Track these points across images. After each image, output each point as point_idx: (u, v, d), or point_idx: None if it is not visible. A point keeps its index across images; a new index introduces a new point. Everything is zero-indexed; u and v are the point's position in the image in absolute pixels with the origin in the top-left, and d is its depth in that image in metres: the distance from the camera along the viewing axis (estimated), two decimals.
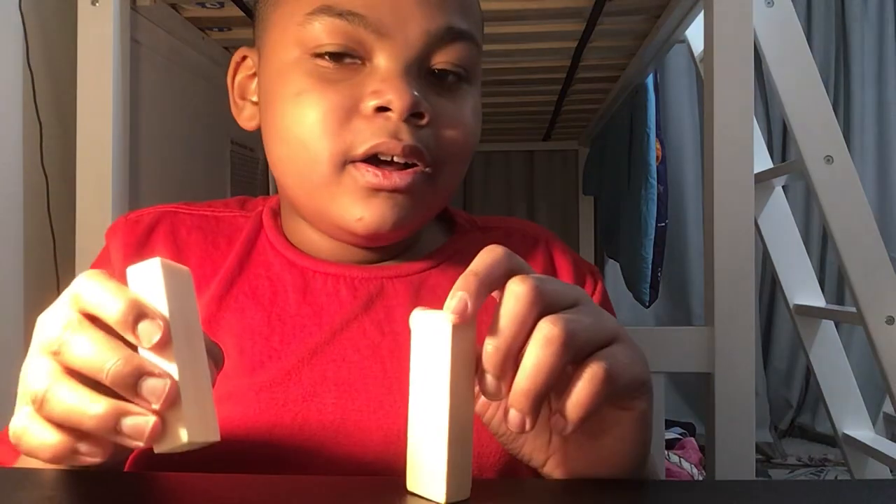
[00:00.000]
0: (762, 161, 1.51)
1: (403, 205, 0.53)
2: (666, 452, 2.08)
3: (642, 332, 1.02)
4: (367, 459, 0.51)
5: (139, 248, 0.59)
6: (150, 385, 0.33)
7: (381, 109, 0.52)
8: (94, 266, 0.62)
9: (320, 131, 0.52)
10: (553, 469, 0.43)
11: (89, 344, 0.34)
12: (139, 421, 0.34)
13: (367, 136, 0.52)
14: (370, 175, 0.52)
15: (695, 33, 1.42)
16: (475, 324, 0.36)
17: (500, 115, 2.16)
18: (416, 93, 0.52)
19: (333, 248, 0.59)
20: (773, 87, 1.30)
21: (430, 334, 0.35)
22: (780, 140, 3.05)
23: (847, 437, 1.48)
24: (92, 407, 0.34)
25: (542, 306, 0.36)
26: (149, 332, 0.34)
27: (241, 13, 1.22)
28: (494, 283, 0.37)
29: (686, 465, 2.18)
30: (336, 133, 0.52)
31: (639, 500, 0.40)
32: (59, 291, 0.37)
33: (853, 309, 1.30)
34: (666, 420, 1.07)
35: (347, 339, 0.55)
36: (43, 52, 1.12)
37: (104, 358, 0.34)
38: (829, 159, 1.27)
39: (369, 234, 0.54)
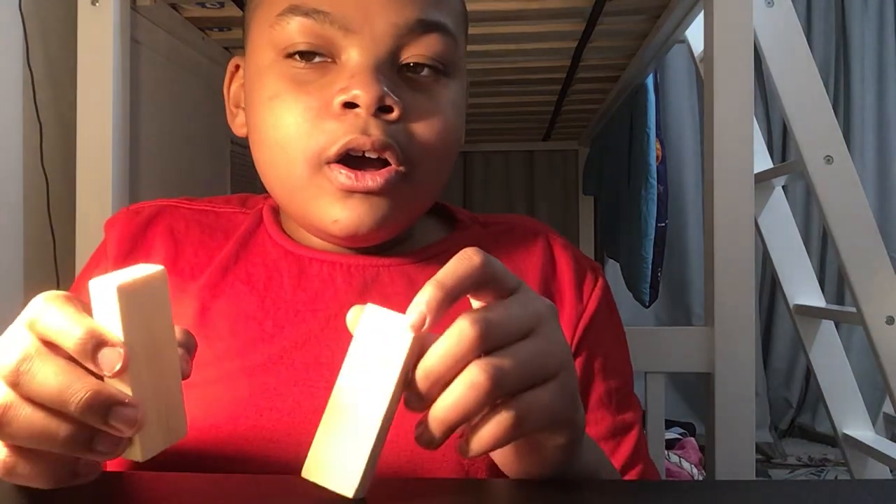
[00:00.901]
0: (762, 161, 1.51)
1: (380, 206, 0.53)
2: (666, 452, 2.08)
3: (642, 332, 1.02)
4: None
5: (136, 240, 0.60)
6: (121, 414, 0.33)
7: (349, 106, 0.52)
8: (93, 258, 0.62)
9: (294, 134, 0.52)
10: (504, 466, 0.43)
11: (52, 374, 0.33)
12: (111, 440, 0.34)
13: (339, 135, 0.52)
14: (343, 176, 0.52)
15: (695, 33, 1.42)
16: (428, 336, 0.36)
17: (500, 115, 2.16)
18: (384, 87, 0.51)
19: (324, 244, 0.59)
20: (773, 87, 1.30)
21: (382, 334, 0.35)
22: (780, 140, 3.05)
23: (847, 437, 1.48)
24: (62, 429, 0.33)
25: (485, 346, 0.36)
26: (109, 361, 0.33)
27: (241, 13, 1.22)
28: (461, 294, 0.37)
29: (686, 465, 2.18)
30: (309, 134, 0.52)
31: (639, 500, 0.40)
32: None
33: (853, 309, 1.30)
34: (666, 420, 1.07)
35: (342, 325, 0.55)
36: (43, 52, 1.12)
37: (71, 389, 0.33)
38: (829, 159, 1.27)
39: (346, 235, 0.54)
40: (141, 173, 1.15)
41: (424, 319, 0.35)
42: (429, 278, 0.58)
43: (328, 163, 0.52)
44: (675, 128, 3.03)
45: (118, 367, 0.33)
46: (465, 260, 0.37)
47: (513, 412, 0.36)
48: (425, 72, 0.55)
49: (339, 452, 0.35)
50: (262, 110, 0.54)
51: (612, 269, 2.49)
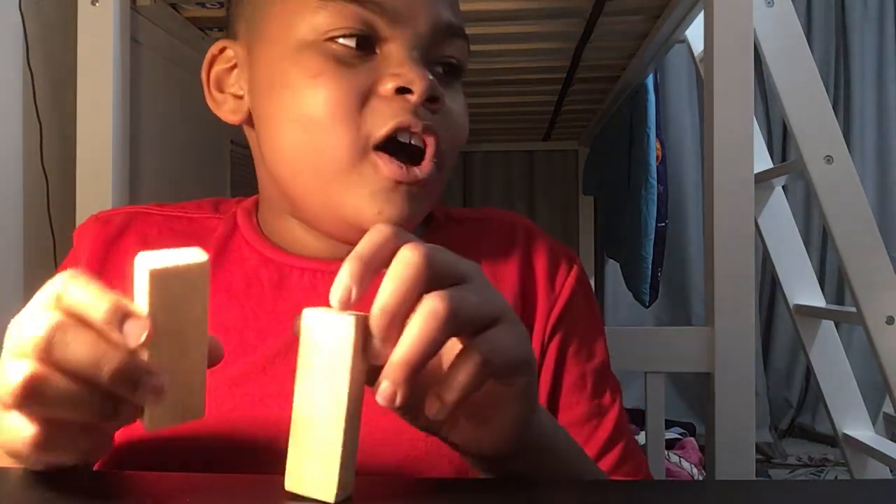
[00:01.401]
0: (762, 161, 1.51)
1: (419, 198, 0.54)
2: (666, 452, 2.08)
3: (642, 332, 1.02)
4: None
5: (109, 249, 0.59)
6: (149, 384, 0.34)
7: (401, 91, 0.52)
8: (63, 266, 0.61)
9: (343, 113, 0.52)
10: (454, 442, 0.42)
11: (85, 344, 0.34)
12: (133, 409, 0.35)
13: (388, 116, 0.52)
14: (394, 166, 0.52)
15: (695, 33, 1.42)
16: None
17: (500, 115, 2.16)
18: (431, 77, 0.52)
19: (317, 245, 0.59)
20: (773, 87, 1.30)
21: (327, 333, 0.35)
22: (780, 140, 3.05)
23: (847, 437, 1.48)
24: (94, 397, 0.35)
25: (429, 275, 0.36)
26: (134, 332, 0.34)
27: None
28: (381, 264, 0.37)
29: (686, 465, 2.18)
30: (357, 113, 0.52)
31: (639, 500, 0.40)
32: None
33: (853, 309, 1.30)
34: (666, 420, 1.07)
35: None
36: (43, 52, 1.12)
37: (105, 358, 0.34)
38: (829, 159, 1.27)
39: None
40: (141, 173, 1.15)
41: (350, 293, 0.35)
42: None
43: (375, 148, 0.52)
44: (675, 128, 3.03)
45: (143, 337, 0.34)
46: (377, 232, 0.37)
47: (478, 351, 0.36)
48: (448, 72, 0.57)
49: (312, 461, 0.35)
50: (300, 89, 0.53)
51: (613, 268, 2.50)
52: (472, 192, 3.06)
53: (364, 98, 0.52)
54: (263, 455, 0.50)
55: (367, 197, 0.53)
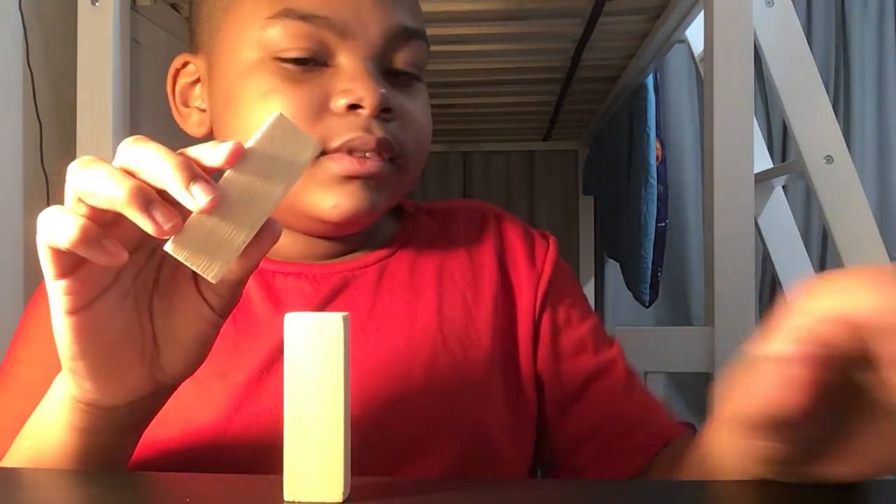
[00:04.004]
0: (762, 161, 1.51)
1: (375, 189, 0.54)
2: None
3: (642, 332, 1.02)
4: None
5: None
6: (198, 187, 0.34)
7: (353, 107, 0.53)
8: (31, 309, 0.59)
9: None
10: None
11: (158, 150, 0.35)
12: (168, 209, 0.34)
13: (341, 132, 0.53)
14: (346, 162, 0.53)
15: (695, 33, 1.42)
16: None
17: (500, 115, 2.16)
18: (383, 90, 0.53)
19: (297, 247, 0.59)
20: (773, 87, 1.30)
21: (317, 334, 0.35)
22: (780, 140, 3.05)
23: None
24: (132, 181, 0.34)
25: None
26: (202, 192, 0.34)
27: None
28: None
29: None
30: (311, 129, 0.52)
31: (639, 500, 0.40)
32: None
33: None
34: None
35: None
36: (43, 52, 1.12)
37: (166, 159, 0.34)
38: (829, 159, 1.27)
39: (344, 219, 0.54)
40: None
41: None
42: (392, 274, 0.59)
43: (326, 153, 0.53)
44: (675, 128, 3.03)
45: (211, 196, 0.34)
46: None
47: None
48: (404, 76, 0.57)
49: (313, 464, 0.35)
50: (252, 106, 0.54)
51: (613, 268, 2.50)
52: (471, 192, 3.06)
53: (317, 113, 0.53)
54: (269, 454, 0.50)
55: (321, 192, 0.53)
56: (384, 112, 0.53)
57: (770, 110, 3.00)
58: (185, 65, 0.60)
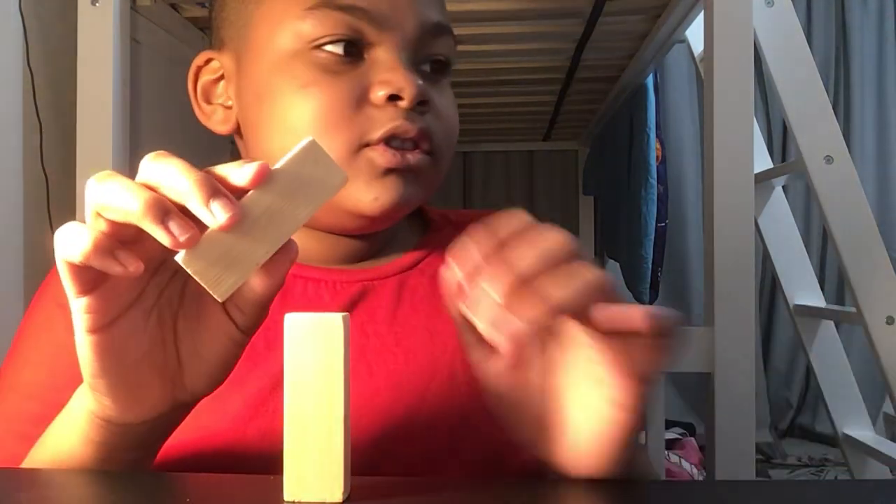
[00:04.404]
0: (762, 161, 1.51)
1: (412, 182, 0.54)
2: (666, 452, 2.08)
3: None
4: (355, 458, 0.52)
5: None
6: (218, 203, 0.34)
7: (391, 98, 0.53)
8: (40, 300, 0.59)
9: (335, 119, 0.52)
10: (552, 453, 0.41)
11: (180, 165, 0.35)
12: (184, 221, 0.34)
13: (383, 122, 0.53)
14: (389, 155, 0.53)
15: (695, 33, 1.42)
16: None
17: (500, 115, 2.16)
18: (420, 82, 0.53)
19: (318, 248, 0.58)
20: (773, 87, 1.30)
21: (318, 334, 0.35)
22: (780, 140, 3.05)
23: (847, 437, 1.48)
24: (149, 194, 0.34)
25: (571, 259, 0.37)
26: (222, 209, 0.34)
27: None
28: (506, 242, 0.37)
29: (686, 465, 2.18)
30: (352, 119, 0.52)
31: (639, 500, 0.39)
32: None
33: (853, 309, 1.30)
34: (666, 420, 1.07)
35: None
36: (43, 52, 1.12)
37: (186, 175, 0.34)
38: (829, 159, 1.27)
39: (382, 213, 0.54)
40: None
41: (470, 265, 0.36)
42: (413, 287, 0.59)
43: (368, 145, 0.53)
44: (675, 128, 3.03)
45: (230, 212, 0.34)
46: (513, 216, 0.38)
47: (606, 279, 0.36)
48: (436, 70, 0.57)
49: (313, 464, 0.35)
50: (290, 99, 0.53)
51: (613, 269, 2.49)
52: (472, 192, 3.06)
53: (357, 105, 0.53)
54: (278, 466, 0.50)
55: (363, 185, 0.53)
56: (420, 105, 0.54)
57: (770, 110, 3.00)
58: (207, 62, 0.60)
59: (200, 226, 0.34)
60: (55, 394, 0.53)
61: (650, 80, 1.68)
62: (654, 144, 1.69)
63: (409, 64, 0.54)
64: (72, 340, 0.53)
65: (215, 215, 0.34)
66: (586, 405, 0.39)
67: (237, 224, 0.34)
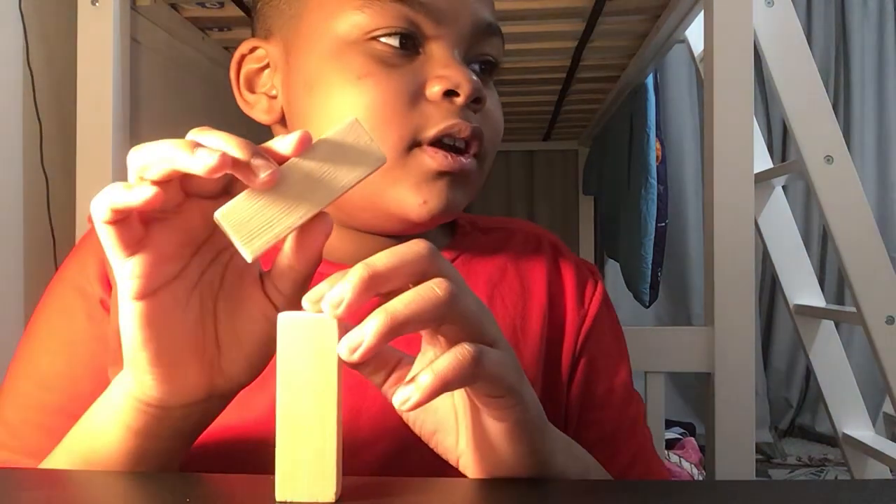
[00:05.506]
0: (762, 161, 1.51)
1: (459, 187, 0.54)
2: (666, 452, 2.08)
3: (642, 332, 1.02)
4: (377, 457, 0.52)
5: None
6: (258, 161, 0.35)
7: (447, 94, 0.52)
8: (64, 271, 0.59)
9: (390, 114, 0.52)
10: (466, 469, 0.42)
11: (211, 133, 0.36)
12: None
13: (438, 119, 0.52)
14: (441, 157, 0.52)
15: (695, 33, 1.42)
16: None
17: None
18: (475, 79, 0.53)
19: (351, 247, 0.58)
20: (773, 87, 1.30)
21: (311, 335, 0.35)
22: (780, 140, 3.05)
23: (847, 437, 1.48)
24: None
25: (450, 317, 0.36)
26: (262, 167, 0.35)
27: (241, 13, 1.22)
28: (391, 284, 0.35)
29: (686, 465, 2.18)
30: (405, 115, 0.52)
31: (639, 500, 0.40)
32: None
33: (853, 309, 1.30)
34: (666, 420, 1.07)
35: None
36: (43, 52, 1.12)
37: (227, 138, 0.35)
38: (829, 159, 1.27)
39: (429, 218, 0.53)
40: None
41: (341, 302, 0.34)
42: None
43: (420, 144, 0.52)
44: (675, 128, 3.03)
45: (269, 171, 0.35)
46: (406, 250, 0.36)
47: (471, 349, 0.35)
48: (484, 71, 0.57)
49: (305, 465, 0.35)
50: (345, 89, 0.52)
51: (613, 269, 2.49)
52: None
53: (413, 99, 0.52)
54: None
55: (412, 188, 0.52)
56: (476, 102, 0.53)
57: (770, 110, 3.00)
58: (252, 50, 0.58)
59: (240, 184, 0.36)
60: (73, 384, 0.53)
61: (650, 80, 1.68)
62: (654, 144, 1.69)
63: (462, 61, 0.54)
64: (91, 329, 0.53)
65: (256, 173, 0.35)
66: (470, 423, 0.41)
67: (275, 186, 0.35)
